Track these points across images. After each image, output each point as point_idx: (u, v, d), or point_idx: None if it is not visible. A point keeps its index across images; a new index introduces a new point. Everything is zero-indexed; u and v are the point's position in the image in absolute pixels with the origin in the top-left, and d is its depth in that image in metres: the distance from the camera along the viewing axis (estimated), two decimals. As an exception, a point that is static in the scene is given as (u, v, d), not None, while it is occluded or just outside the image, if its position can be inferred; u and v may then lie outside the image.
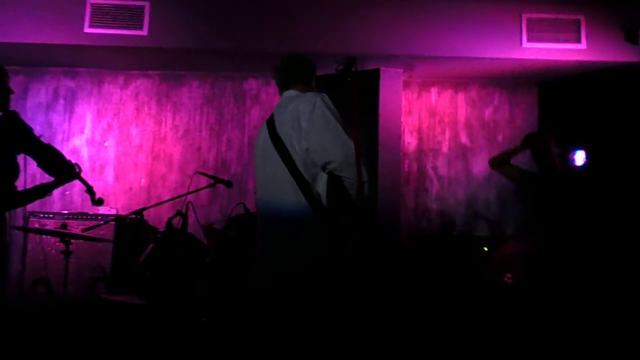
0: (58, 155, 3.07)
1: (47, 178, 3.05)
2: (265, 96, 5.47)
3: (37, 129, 4.86)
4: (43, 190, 3.02)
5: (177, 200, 4.21)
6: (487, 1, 4.84)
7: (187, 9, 4.87)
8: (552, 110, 5.30)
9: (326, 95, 2.29)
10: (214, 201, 5.25)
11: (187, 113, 5.46)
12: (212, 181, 4.08)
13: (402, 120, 5.15)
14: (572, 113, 5.13)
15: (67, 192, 5.24)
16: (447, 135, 5.40)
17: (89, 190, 3.23)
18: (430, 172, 5.32)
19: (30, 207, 4.31)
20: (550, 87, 5.34)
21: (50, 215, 4.63)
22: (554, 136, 3.74)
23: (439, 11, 4.86)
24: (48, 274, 4.14)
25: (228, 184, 4.06)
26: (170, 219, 3.59)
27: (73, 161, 3.12)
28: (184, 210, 3.65)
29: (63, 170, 3.05)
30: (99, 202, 3.23)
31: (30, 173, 3.27)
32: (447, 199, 5.29)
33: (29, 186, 3.08)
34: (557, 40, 4.79)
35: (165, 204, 4.50)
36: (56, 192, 5.14)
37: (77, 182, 3.20)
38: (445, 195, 5.29)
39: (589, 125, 5.04)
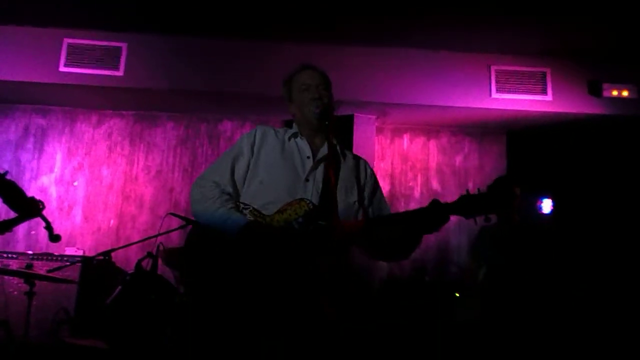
0: (21, 192, 3.07)
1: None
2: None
3: (4, 167, 4.79)
4: (5, 226, 2.98)
5: (146, 242, 4.14)
6: (458, 53, 5.01)
7: (164, 51, 4.93)
8: (520, 159, 5.43)
9: (259, 126, 2.30)
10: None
11: (160, 154, 5.43)
12: (184, 223, 4.02)
13: (375, 165, 5.22)
14: (539, 161, 5.27)
15: (33, 232, 5.10)
16: (419, 181, 5.48)
17: (48, 226, 3.23)
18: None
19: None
20: (518, 136, 5.49)
21: (14, 256, 4.48)
22: (519, 189, 3.72)
23: (412, 60, 5.02)
24: (9, 315, 3.98)
25: (200, 226, 4.01)
26: (139, 261, 3.51)
27: (36, 198, 3.11)
28: (154, 252, 3.58)
29: (28, 206, 3.02)
30: (56, 238, 3.23)
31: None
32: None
33: None
34: (525, 92, 4.97)
35: (134, 246, 4.41)
36: (20, 232, 5.04)
37: (40, 220, 3.18)
38: (417, 240, 5.31)
39: (555, 174, 5.17)
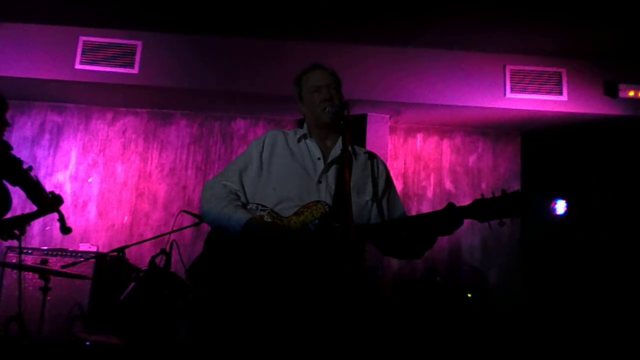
0: (42, 188, 3.16)
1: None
2: (253, 136, 5.51)
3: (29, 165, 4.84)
4: (25, 220, 3.07)
5: (159, 238, 4.17)
6: (472, 52, 4.98)
7: (179, 49, 4.95)
8: (534, 160, 5.40)
9: (269, 132, 2.31)
10: (197, 240, 5.19)
11: (173, 151, 5.46)
12: (196, 220, 4.05)
13: (388, 164, 5.18)
14: (554, 162, 5.23)
15: (47, 228, 5.15)
16: (432, 180, 5.46)
17: (61, 218, 3.35)
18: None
19: (8, 242, 4.23)
20: (533, 136, 5.45)
21: (29, 251, 4.53)
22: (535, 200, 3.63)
23: (426, 60, 4.99)
24: (23, 311, 4.02)
25: (212, 223, 4.03)
26: (153, 257, 3.53)
27: (55, 193, 3.20)
28: (167, 249, 3.60)
29: (48, 201, 3.12)
30: (68, 230, 3.36)
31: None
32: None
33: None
34: (540, 92, 4.93)
35: (147, 242, 4.45)
36: (36, 228, 5.09)
37: (54, 216, 3.32)
38: (429, 240, 5.28)
39: (570, 175, 5.13)
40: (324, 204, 2.05)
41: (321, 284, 1.96)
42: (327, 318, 1.93)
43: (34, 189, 3.10)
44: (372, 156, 2.34)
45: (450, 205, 1.95)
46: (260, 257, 1.99)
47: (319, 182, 2.15)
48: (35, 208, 3.21)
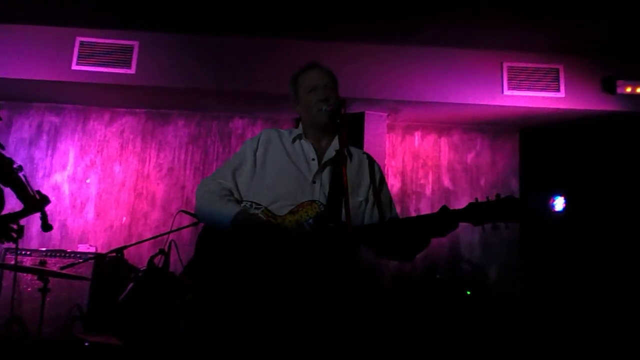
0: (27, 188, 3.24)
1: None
2: (251, 135, 5.46)
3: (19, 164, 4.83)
4: (11, 218, 3.12)
5: (158, 239, 4.17)
6: (469, 50, 4.98)
7: (176, 49, 4.94)
8: (533, 157, 5.40)
9: (264, 130, 2.32)
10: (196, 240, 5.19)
11: (171, 151, 5.46)
12: (195, 220, 4.04)
13: (386, 163, 5.20)
14: (552, 159, 5.23)
15: (46, 229, 5.15)
16: (430, 178, 5.46)
17: (43, 216, 3.43)
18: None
19: (6, 243, 4.23)
20: (531, 133, 5.45)
21: (28, 252, 4.53)
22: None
23: (423, 58, 4.99)
24: (23, 312, 4.03)
25: (211, 223, 4.03)
26: (152, 258, 3.54)
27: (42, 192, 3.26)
28: (166, 249, 3.60)
29: (35, 201, 3.19)
30: (49, 227, 3.45)
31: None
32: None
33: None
34: (537, 89, 4.93)
35: (146, 243, 4.45)
36: (34, 229, 5.08)
37: (54, 217, 3.34)
38: (428, 238, 5.28)
39: (568, 172, 5.13)
40: (319, 203, 2.05)
41: (316, 282, 1.95)
42: (322, 316, 1.93)
43: (21, 189, 3.15)
44: (366, 157, 2.34)
45: (444, 209, 1.94)
46: (251, 250, 1.99)
47: (313, 182, 2.15)
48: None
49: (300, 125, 2.32)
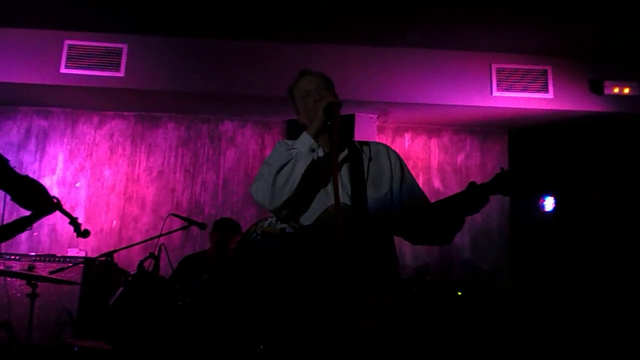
0: (36, 187, 2.90)
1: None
2: (241, 138, 5.50)
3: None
4: (23, 224, 2.90)
5: (148, 242, 4.15)
6: (458, 51, 5.01)
7: (165, 52, 4.93)
8: (522, 157, 5.43)
9: (283, 142, 2.29)
10: (186, 243, 5.18)
11: (161, 154, 5.44)
12: (185, 223, 4.04)
13: (376, 164, 5.21)
14: (541, 160, 5.27)
15: (35, 234, 5.11)
16: (421, 180, 5.47)
17: (73, 221, 3.08)
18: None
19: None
20: (520, 134, 5.49)
21: (17, 257, 4.49)
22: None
23: (413, 59, 5.01)
24: (11, 317, 3.99)
25: (202, 226, 4.03)
26: (142, 262, 3.51)
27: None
28: (156, 253, 3.58)
29: (40, 203, 2.91)
30: (84, 233, 3.07)
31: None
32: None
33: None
34: (526, 90, 4.96)
35: (136, 246, 4.42)
36: (23, 234, 5.03)
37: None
38: (419, 239, 5.30)
39: (558, 172, 5.17)
40: (343, 205, 2.03)
41: (345, 283, 1.94)
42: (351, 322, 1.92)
43: (32, 187, 2.85)
44: (383, 147, 2.32)
45: (472, 184, 1.91)
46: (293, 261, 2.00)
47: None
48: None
49: (305, 135, 2.26)
